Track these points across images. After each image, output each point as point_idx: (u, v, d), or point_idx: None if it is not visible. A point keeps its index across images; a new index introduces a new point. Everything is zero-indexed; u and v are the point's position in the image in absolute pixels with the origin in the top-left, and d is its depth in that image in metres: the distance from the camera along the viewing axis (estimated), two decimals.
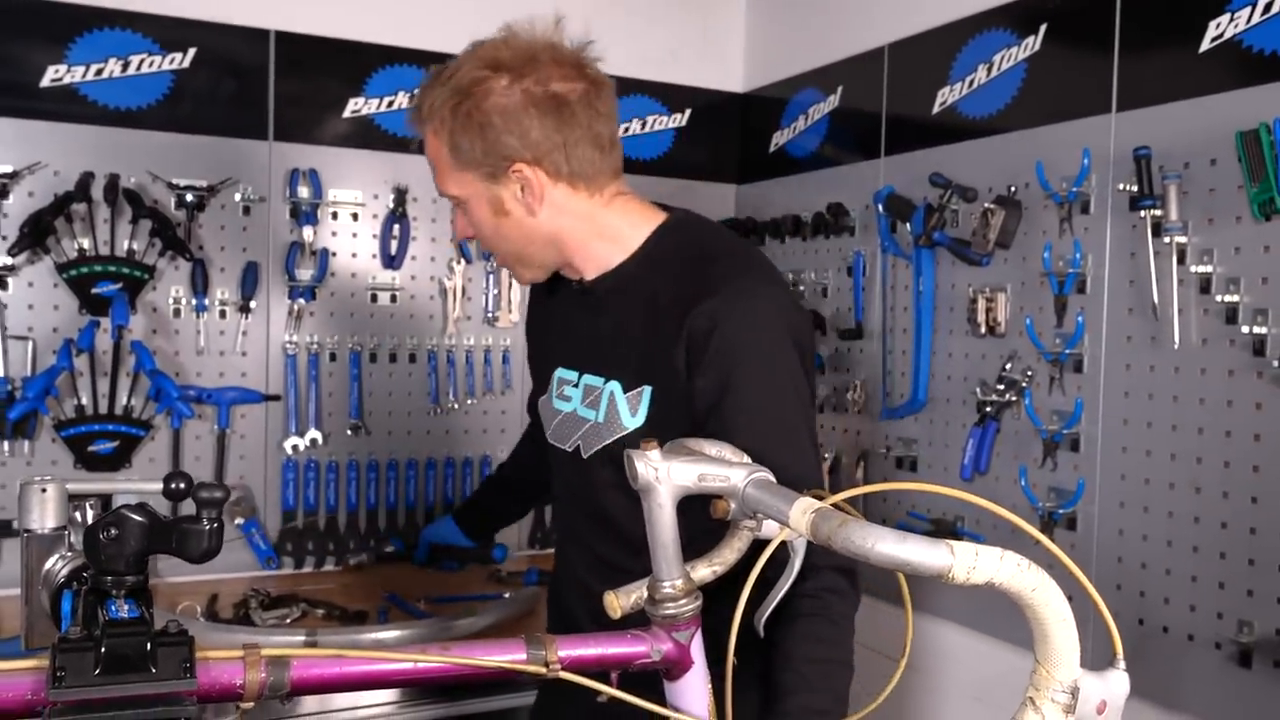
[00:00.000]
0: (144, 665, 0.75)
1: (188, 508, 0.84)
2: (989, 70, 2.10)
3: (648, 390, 1.36)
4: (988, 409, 2.05)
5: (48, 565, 1.01)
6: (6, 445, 2.17)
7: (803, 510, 0.81)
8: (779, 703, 1.25)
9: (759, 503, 0.88)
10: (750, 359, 1.32)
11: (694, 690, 0.98)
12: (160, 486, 0.97)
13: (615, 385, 1.39)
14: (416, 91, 1.44)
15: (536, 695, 1.68)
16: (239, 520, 2.35)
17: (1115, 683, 0.83)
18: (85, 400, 2.23)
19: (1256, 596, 1.62)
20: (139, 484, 1.03)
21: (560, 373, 1.49)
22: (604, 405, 1.39)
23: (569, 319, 1.51)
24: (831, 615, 1.30)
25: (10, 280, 2.18)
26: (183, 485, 0.92)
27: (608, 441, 1.37)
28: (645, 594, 0.98)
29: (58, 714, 0.72)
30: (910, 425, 2.28)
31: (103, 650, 0.74)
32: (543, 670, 0.90)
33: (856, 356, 2.43)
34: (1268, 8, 1.62)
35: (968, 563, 0.74)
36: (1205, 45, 1.70)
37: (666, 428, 1.23)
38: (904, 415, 2.28)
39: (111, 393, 2.25)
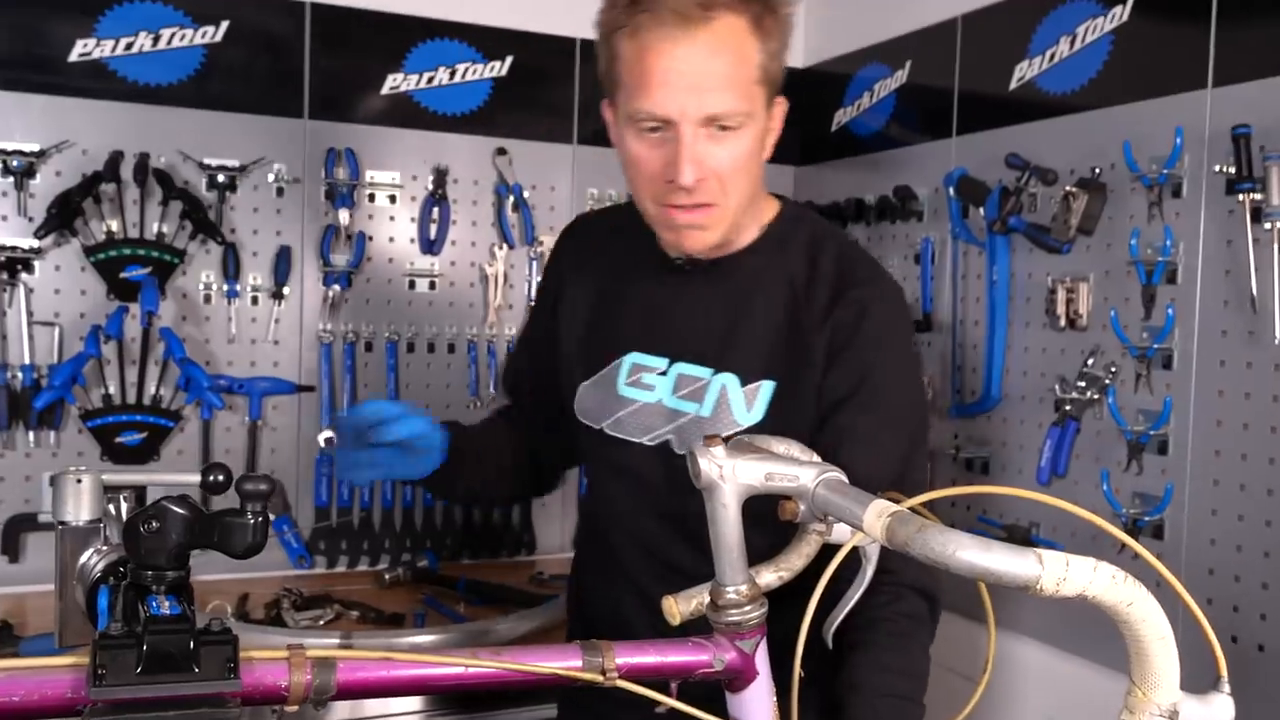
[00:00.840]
0: (187, 665, 0.75)
1: (224, 501, 0.85)
2: (1072, 43, 2.07)
3: (769, 385, 1.36)
4: (1067, 407, 2.02)
5: (82, 559, 1.02)
6: (32, 435, 2.22)
7: (878, 514, 0.80)
8: None
9: (830, 504, 0.87)
10: (890, 355, 1.37)
11: (758, 703, 0.98)
12: (198, 479, 0.99)
13: (730, 378, 1.37)
14: None
15: (557, 710, 1.65)
16: (272, 515, 2.38)
17: (1219, 708, 0.81)
18: (113, 389, 2.27)
19: None
20: (176, 476, 1.04)
21: (636, 358, 1.43)
22: (712, 398, 1.37)
23: (655, 300, 1.44)
24: (911, 646, 1.31)
25: (37, 264, 2.22)
26: (222, 478, 0.93)
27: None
28: (707, 599, 0.97)
29: (98, 714, 0.73)
30: (982, 424, 2.26)
31: (145, 648, 0.74)
32: (599, 678, 0.89)
33: (924, 350, 2.40)
34: None
35: (1058, 573, 0.72)
36: None
37: (785, 429, 1.25)
38: (975, 413, 2.26)
39: (140, 382, 2.29)
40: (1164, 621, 0.75)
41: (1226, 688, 0.82)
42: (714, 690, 0.99)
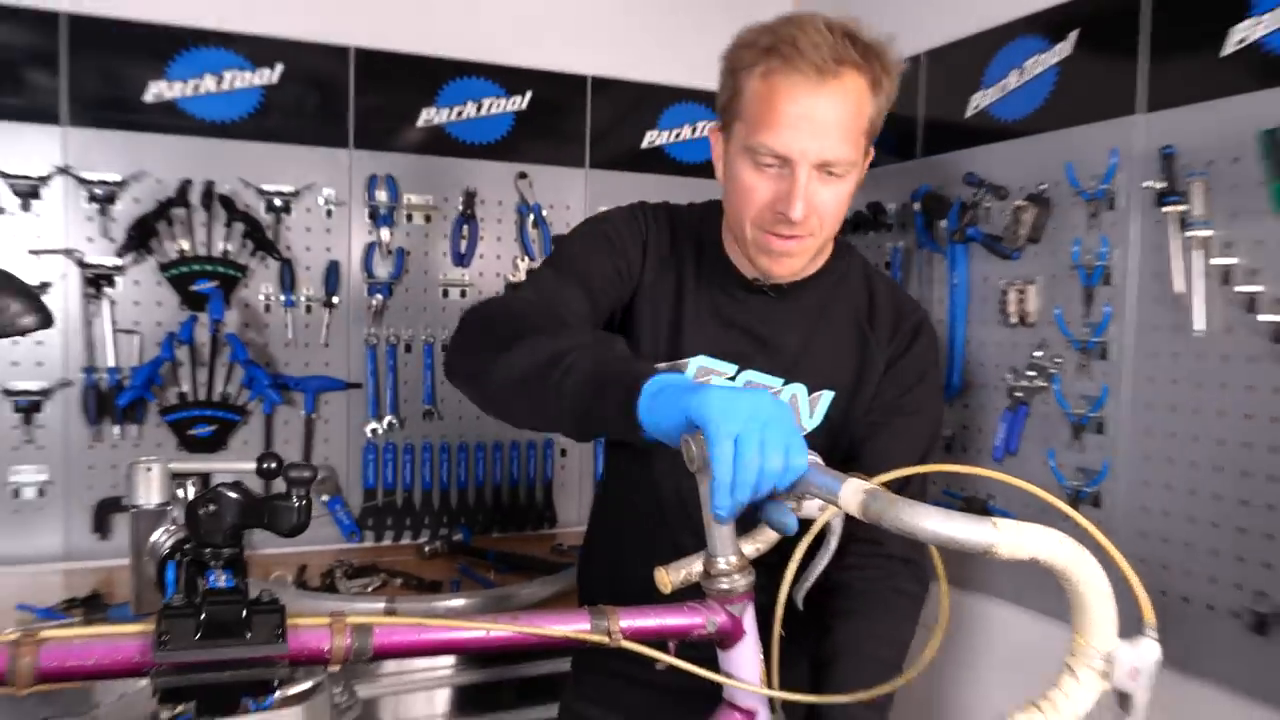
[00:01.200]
0: (240, 631, 0.75)
1: (278, 486, 0.85)
2: (1020, 75, 2.04)
3: (828, 395, 1.35)
4: (1018, 394, 2.00)
5: (153, 538, 1.02)
6: (117, 429, 2.20)
7: (853, 491, 0.79)
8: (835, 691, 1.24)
9: (810, 482, 0.86)
10: (930, 377, 1.40)
11: (746, 659, 0.97)
12: (254, 466, 0.98)
13: (800, 388, 1.34)
14: (830, 30, 1.18)
15: (571, 662, 1.59)
16: (325, 497, 2.37)
17: (1146, 650, 0.80)
18: (186, 388, 2.26)
19: (1274, 569, 1.57)
20: (235, 464, 1.04)
21: (704, 361, 1.35)
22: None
23: (725, 311, 1.36)
24: (902, 620, 1.32)
25: (119, 279, 2.21)
26: (274, 465, 0.93)
27: None
28: (696, 569, 0.96)
29: (162, 674, 0.72)
30: (946, 409, 2.24)
31: (203, 617, 0.74)
32: (605, 640, 0.89)
33: None
34: None
35: (1011, 540, 0.72)
36: (1228, 49, 1.64)
37: (840, 432, 1.31)
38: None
39: (209, 381, 2.27)
40: (1103, 580, 0.74)
41: (1153, 632, 0.81)
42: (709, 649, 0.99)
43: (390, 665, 1.90)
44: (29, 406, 2.15)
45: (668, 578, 0.97)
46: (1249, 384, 1.61)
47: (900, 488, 1.31)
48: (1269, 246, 1.59)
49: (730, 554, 0.94)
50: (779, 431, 0.84)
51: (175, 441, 2.25)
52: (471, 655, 1.81)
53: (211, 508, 0.80)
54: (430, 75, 2.46)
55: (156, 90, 2.24)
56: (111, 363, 2.20)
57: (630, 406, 0.90)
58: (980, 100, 2.14)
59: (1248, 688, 1.60)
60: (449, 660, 1.91)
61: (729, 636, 0.95)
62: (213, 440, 2.27)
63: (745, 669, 0.96)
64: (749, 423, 0.83)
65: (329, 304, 2.38)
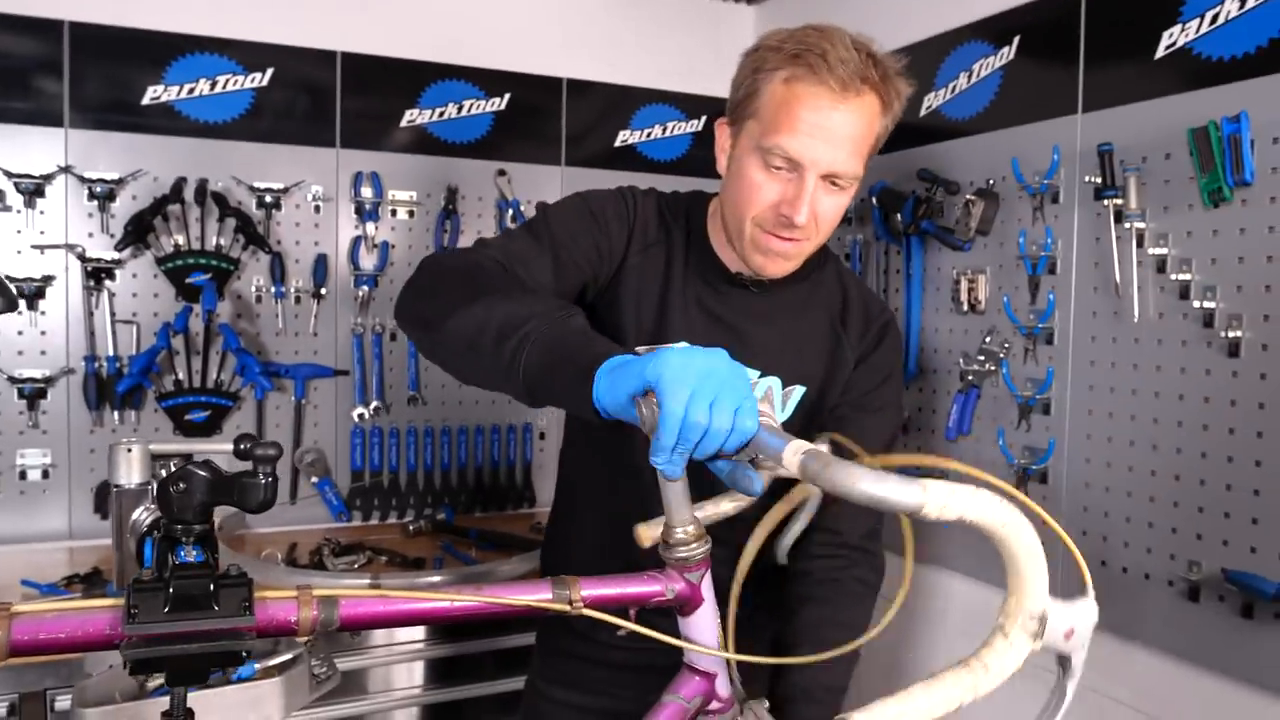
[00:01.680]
0: (207, 604, 0.73)
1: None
2: (969, 78, 2.03)
3: (799, 390, 1.30)
4: (970, 377, 2.00)
5: (134, 515, 0.99)
6: (117, 414, 2.17)
7: (794, 451, 0.77)
8: (801, 673, 1.23)
9: (756, 444, 0.83)
10: (895, 375, 1.39)
11: (705, 624, 0.95)
12: (231, 448, 0.96)
13: (773, 381, 1.31)
14: (857, 49, 1.16)
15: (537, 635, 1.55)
16: (314, 479, 2.35)
17: (1083, 611, 0.78)
18: (182, 375, 2.23)
19: (1204, 540, 1.58)
20: (213, 445, 1.02)
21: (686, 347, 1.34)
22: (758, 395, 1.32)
23: (707, 303, 1.31)
24: (858, 608, 1.32)
25: (118, 272, 2.17)
26: (250, 445, 0.90)
27: None
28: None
29: (131, 646, 0.70)
30: (904, 392, 2.23)
31: (171, 591, 0.72)
32: (567, 608, 0.87)
33: None
34: (1214, 19, 1.55)
35: (940, 500, 0.70)
36: (1160, 53, 1.64)
37: (809, 425, 1.29)
38: None
39: (204, 369, 2.24)
40: (1034, 539, 0.72)
41: (1091, 593, 0.80)
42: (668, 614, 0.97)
43: (372, 638, 1.88)
44: (33, 393, 2.11)
45: (646, 533, 0.95)
46: (1182, 366, 1.61)
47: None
48: (1198, 237, 1.59)
49: (689, 524, 0.92)
50: (731, 393, 0.81)
51: (172, 426, 2.21)
52: (439, 626, 1.79)
53: (182, 485, 0.78)
54: (413, 78, 2.42)
55: (154, 93, 2.20)
56: (111, 351, 2.16)
57: (586, 382, 0.87)
58: (933, 101, 2.13)
59: (1181, 651, 1.61)
60: (422, 633, 1.90)
61: (688, 603, 0.93)
62: (207, 425, 2.24)
63: (704, 634, 0.95)
64: (702, 382, 0.80)
65: (317, 295, 2.34)
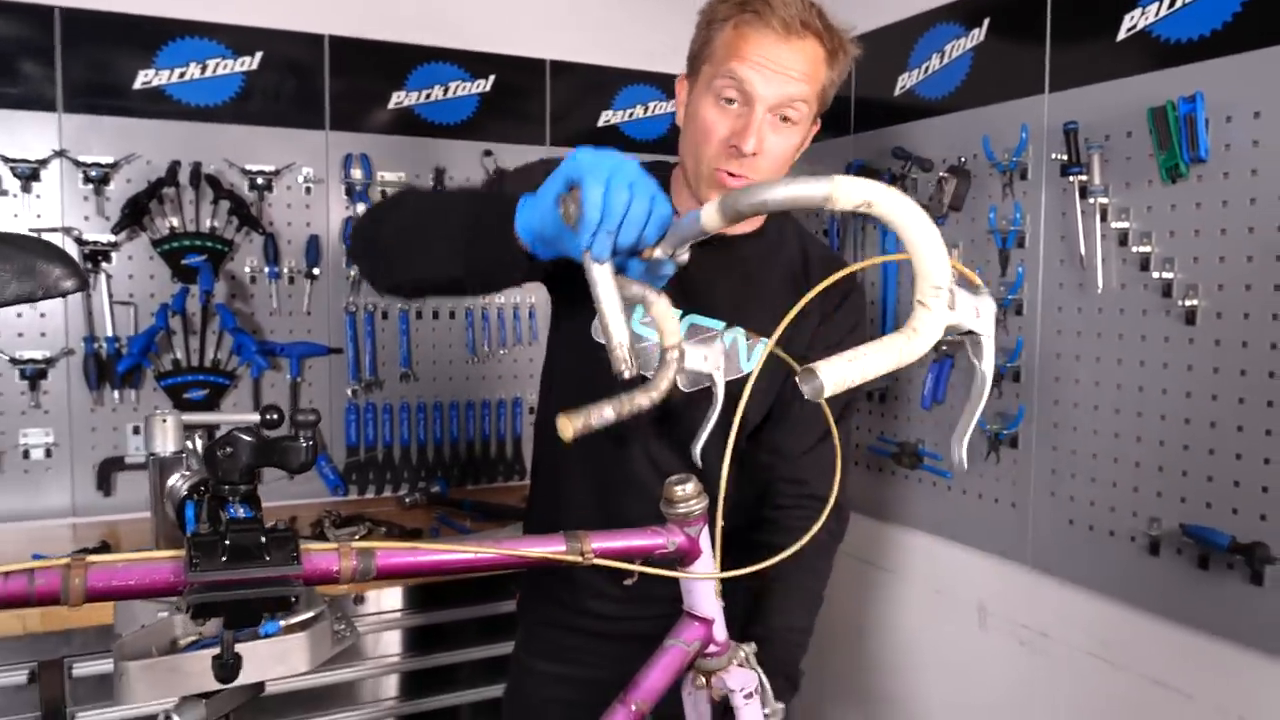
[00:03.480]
0: (260, 554, 0.80)
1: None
2: (941, 58, 2.12)
3: (764, 343, 1.37)
4: (944, 347, 2.09)
5: (170, 482, 1.06)
6: (117, 394, 2.23)
7: (710, 209, 0.84)
8: (772, 617, 1.34)
9: (677, 227, 0.91)
10: (859, 332, 1.47)
11: (705, 572, 1.04)
12: (257, 418, 1.04)
13: (739, 331, 1.38)
14: (810, 11, 1.24)
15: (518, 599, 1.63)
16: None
17: (984, 300, 0.86)
18: (180, 355, 2.29)
19: (1164, 497, 1.68)
20: (240, 416, 1.09)
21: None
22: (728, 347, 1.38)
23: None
24: (824, 555, 1.42)
25: (114, 255, 2.23)
26: (276, 416, 0.98)
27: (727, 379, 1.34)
28: (600, 414, 0.95)
29: (194, 592, 0.78)
30: None
31: (227, 542, 0.80)
32: (580, 559, 0.95)
33: None
34: (1172, 3, 1.64)
35: (846, 189, 0.77)
36: (1121, 35, 1.73)
37: (770, 378, 1.35)
38: None
39: (201, 348, 2.30)
40: (930, 226, 0.78)
41: (985, 290, 0.88)
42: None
43: (370, 606, 1.98)
44: (35, 374, 2.16)
45: (570, 423, 0.93)
46: (1143, 334, 1.72)
47: (824, 436, 1.40)
48: (1158, 212, 1.68)
49: (689, 482, 1.01)
50: (645, 183, 0.91)
51: (171, 404, 2.27)
52: (420, 600, 1.91)
53: (229, 449, 0.86)
54: (399, 60, 2.48)
55: (145, 78, 2.24)
56: (110, 332, 2.21)
57: (509, 216, 0.97)
58: (907, 81, 2.22)
59: (1143, 602, 1.72)
60: (401, 600, 2.03)
61: (687, 555, 1.02)
62: (205, 403, 2.30)
63: (702, 583, 1.04)
64: (618, 171, 0.90)
65: (310, 275, 2.40)
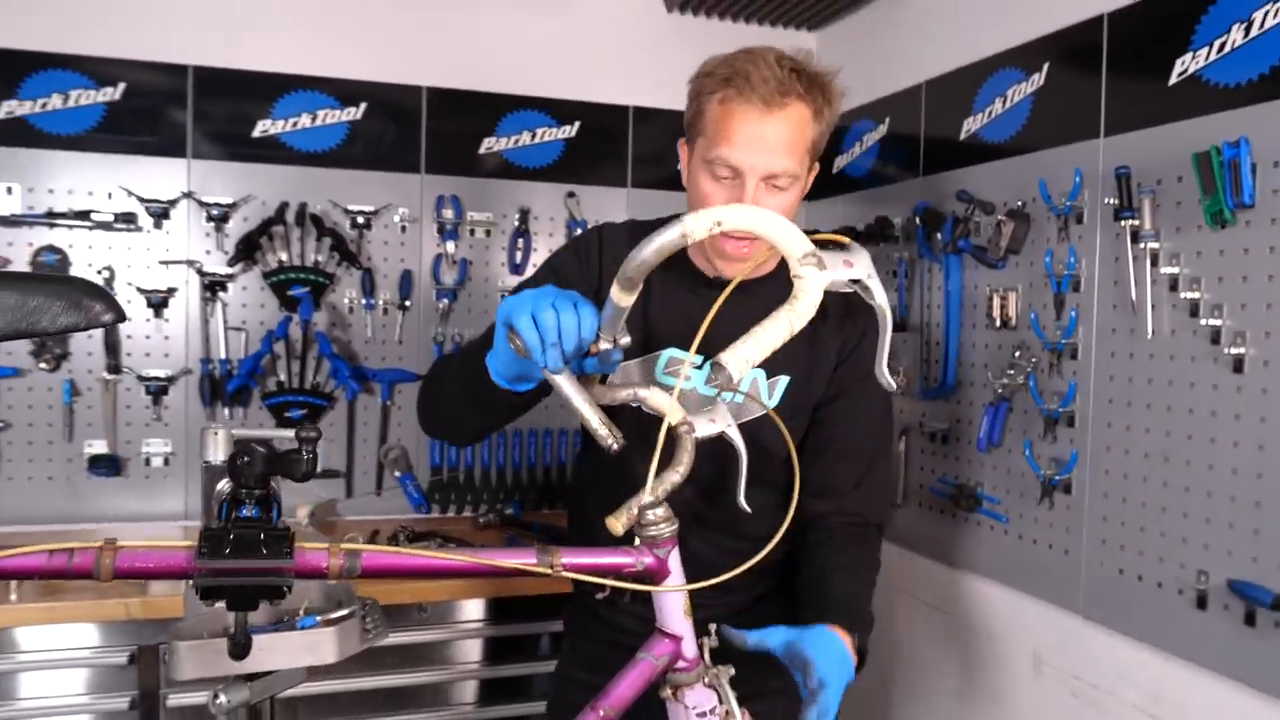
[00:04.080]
0: (258, 549, 0.95)
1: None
2: (1004, 103, 2.14)
3: (784, 380, 1.48)
4: (1000, 390, 2.10)
5: (219, 486, 1.23)
6: (227, 410, 2.48)
7: (615, 289, 1.04)
8: (841, 589, 1.39)
9: (608, 321, 1.09)
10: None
11: (674, 592, 1.13)
12: (292, 433, 1.19)
13: (759, 372, 1.47)
14: (780, 66, 1.32)
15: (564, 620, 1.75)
16: (398, 473, 2.61)
17: (853, 252, 1.04)
18: (283, 377, 2.52)
19: (1211, 550, 1.65)
20: (280, 432, 1.25)
21: (673, 352, 1.49)
22: (744, 387, 1.47)
23: (689, 307, 1.44)
24: (873, 552, 1.50)
25: (230, 285, 2.49)
26: (307, 434, 1.14)
27: (746, 419, 1.44)
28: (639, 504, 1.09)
29: (201, 576, 0.93)
30: (941, 405, 2.34)
31: (231, 536, 0.95)
32: (548, 571, 1.06)
33: (902, 346, 2.49)
34: (1222, 47, 1.64)
35: (695, 220, 0.96)
36: (1173, 79, 1.72)
37: (796, 412, 1.46)
38: (937, 396, 2.34)
39: (302, 372, 2.53)
40: (773, 216, 0.99)
41: (855, 245, 1.05)
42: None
43: (432, 616, 2.14)
44: (158, 390, 2.44)
45: (617, 522, 1.09)
46: (1191, 381, 1.69)
47: (860, 479, 1.45)
48: (1206, 257, 1.67)
49: (659, 507, 1.10)
50: (565, 299, 1.07)
51: (274, 423, 2.51)
52: (438, 577, 2.00)
53: (246, 459, 1.01)
54: (491, 109, 2.68)
55: (263, 127, 2.51)
56: (223, 355, 2.48)
57: (484, 369, 1.18)
58: (971, 125, 2.25)
59: (1191, 656, 1.68)
60: (481, 613, 2.16)
61: (656, 575, 1.11)
62: (305, 422, 2.53)
63: (671, 601, 1.13)
64: (538, 300, 1.08)
65: (403, 307, 2.61)
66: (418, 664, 2.11)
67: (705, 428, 1.13)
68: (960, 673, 2.27)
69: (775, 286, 1.50)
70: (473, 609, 2.16)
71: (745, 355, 0.94)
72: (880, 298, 1.01)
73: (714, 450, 1.21)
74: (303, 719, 2.05)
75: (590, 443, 1.59)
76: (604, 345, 1.08)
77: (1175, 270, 1.71)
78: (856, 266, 0.99)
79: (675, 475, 1.08)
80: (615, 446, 1.11)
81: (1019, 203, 2.07)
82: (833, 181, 2.84)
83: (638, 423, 1.27)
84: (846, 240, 1.00)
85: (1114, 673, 1.85)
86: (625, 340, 1.10)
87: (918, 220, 2.35)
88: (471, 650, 2.18)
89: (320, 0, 2.54)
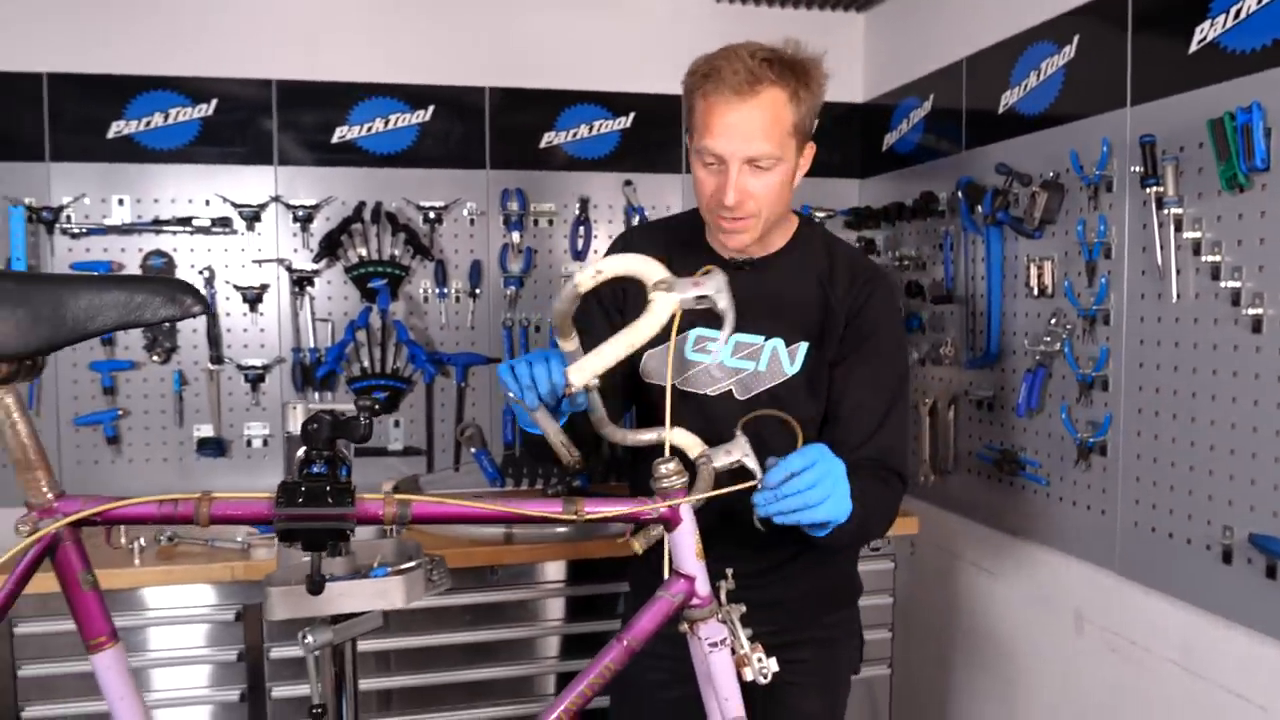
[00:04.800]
0: (324, 499, 1.14)
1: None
2: (1038, 75, 2.21)
3: (804, 345, 1.60)
4: (1038, 357, 2.17)
5: (298, 454, 1.44)
6: (317, 395, 2.72)
7: (560, 340, 1.27)
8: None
9: (575, 365, 1.25)
10: (888, 328, 1.63)
11: (686, 538, 1.28)
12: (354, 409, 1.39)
13: (778, 342, 1.60)
14: (751, 58, 1.43)
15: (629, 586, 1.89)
16: (473, 449, 2.81)
17: (710, 278, 1.21)
18: (366, 363, 2.75)
19: (1234, 506, 1.72)
20: (347, 405, 1.44)
21: (699, 331, 1.60)
22: (765, 356, 1.59)
23: None
24: (897, 496, 1.59)
25: (316, 280, 2.73)
26: (369, 403, 1.33)
27: (771, 385, 1.59)
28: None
29: (279, 521, 1.13)
30: (986, 373, 2.42)
31: (303, 489, 1.14)
32: (574, 518, 1.22)
33: (948, 318, 2.57)
34: (1238, 14, 1.69)
35: (581, 276, 1.16)
36: (1193, 47, 1.78)
37: (816, 374, 1.59)
38: (981, 365, 2.42)
39: (383, 358, 2.75)
40: (638, 259, 1.21)
41: (715, 270, 1.22)
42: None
43: (539, 576, 2.35)
44: (255, 378, 2.70)
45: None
46: (1214, 343, 1.76)
47: (872, 434, 1.57)
48: (1225, 221, 1.73)
49: (671, 461, 1.26)
50: (537, 354, 1.31)
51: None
52: (477, 523, 2.12)
53: (314, 425, 1.20)
54: (550, 104, 2.85)
55: (341, 133, 2.74)
56: (312, 344, 2.72)
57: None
58: (1009, 98, 2.32)
59: (1219, 611, 1.76)
60: (567, 574, 2.36)
61: (669, 522, 1.27)
62: (387, 404, 2.76)
63: (685, 546, 1.28)
64: (516, 363, 1.36)
65: (473, 294, 2.81)
66: (507, 620, 2.32)
67: (722, 460, 1.28)
68: (1005, 631, 2.37)
69: (791, 258, 1.65)
70: (553, 570, 2.36)
71: (589, 367, 1.18)
72: (723, 304, 1.21)
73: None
74: (394, 669, 2.27)
75: (641, 422, 1.76)
76: (574, 387, 1.24)
77: (1197, 235, 1.78)
78: (703, 286, 1.18)
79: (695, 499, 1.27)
80: (576, 464, 1.44)
81: (1052, 173, 2.14)
82: (882, 159, 2.93)
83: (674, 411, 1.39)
84: (711, 268, 1.24)
85: (1149, 628, 1.93)
86: (594, 381, 1.25)
87: (960, 194, 2.43)
88: (548, 609, 2.38)
89: (388, 12, 2.74)
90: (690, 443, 1.30)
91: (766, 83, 1.44)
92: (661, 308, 1.14)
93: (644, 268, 1.18)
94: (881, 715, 2.58)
